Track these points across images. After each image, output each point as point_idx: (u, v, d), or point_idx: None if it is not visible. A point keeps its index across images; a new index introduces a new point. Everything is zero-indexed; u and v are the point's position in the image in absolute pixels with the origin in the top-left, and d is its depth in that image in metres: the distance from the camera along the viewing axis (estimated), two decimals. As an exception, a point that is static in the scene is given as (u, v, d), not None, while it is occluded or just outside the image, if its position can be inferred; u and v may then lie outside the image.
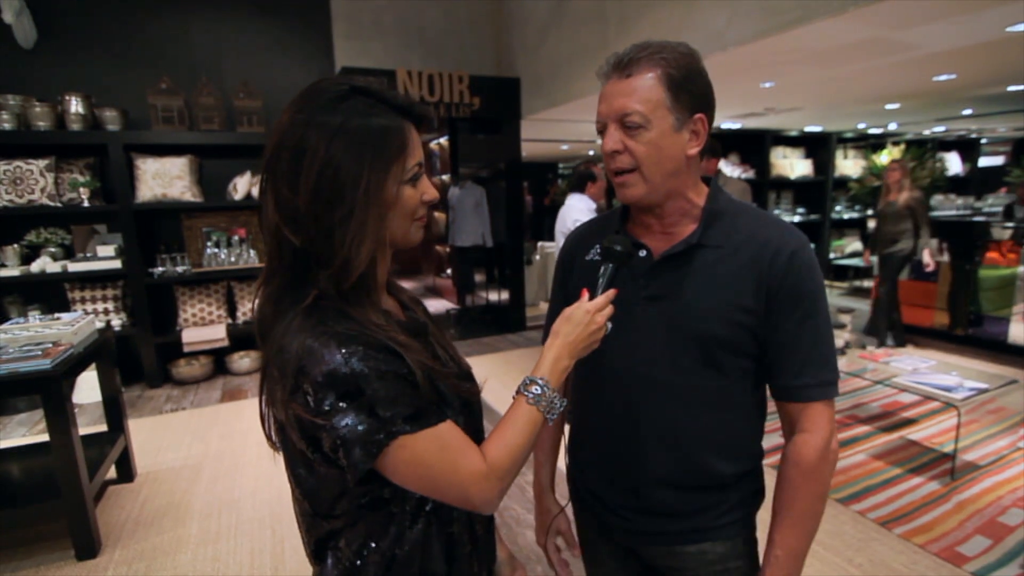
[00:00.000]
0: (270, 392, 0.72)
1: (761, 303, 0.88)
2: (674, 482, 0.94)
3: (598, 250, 1.01)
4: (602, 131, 0.89)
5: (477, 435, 0.81)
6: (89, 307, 4.12)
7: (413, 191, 0.75)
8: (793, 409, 0.92)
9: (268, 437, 0.78)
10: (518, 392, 0.77)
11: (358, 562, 0.75)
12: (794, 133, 7.20)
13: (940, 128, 7.75)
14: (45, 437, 2.29)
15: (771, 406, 0.99)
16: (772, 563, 0.89)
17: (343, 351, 0.66)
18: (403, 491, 0.73)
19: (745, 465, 0.97)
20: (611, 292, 0.86)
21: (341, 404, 0.65)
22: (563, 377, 0.80)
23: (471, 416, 0.81)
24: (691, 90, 0.86)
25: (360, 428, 0.65)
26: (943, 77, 4.18)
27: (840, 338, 3.53)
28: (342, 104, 0.70)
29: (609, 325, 0.85)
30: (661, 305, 0.92)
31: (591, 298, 0.85)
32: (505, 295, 6.16)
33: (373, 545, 0.75)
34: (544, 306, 6.91)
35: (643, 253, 0.94)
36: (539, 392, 0.76)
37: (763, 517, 0.97)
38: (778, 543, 0.89)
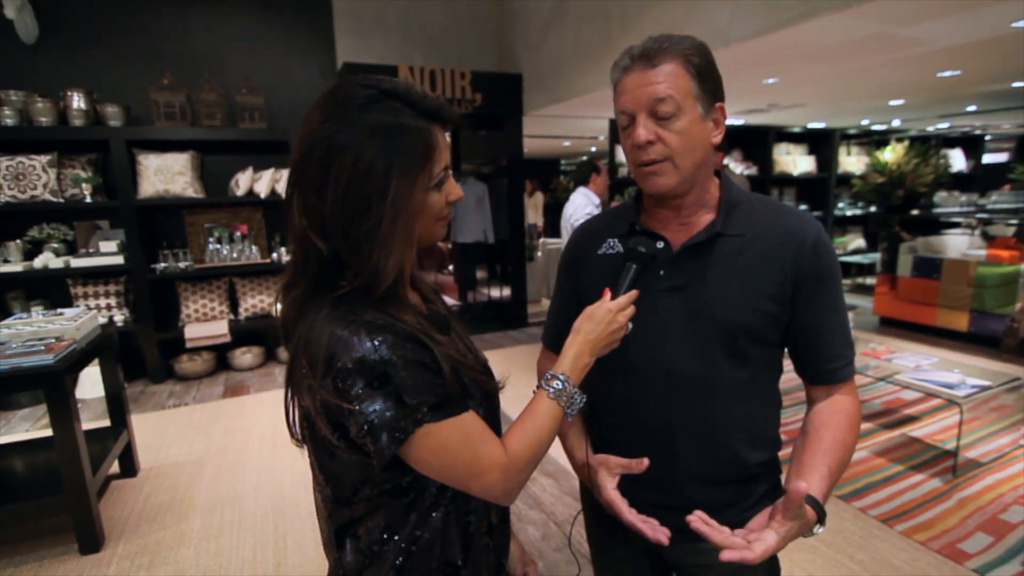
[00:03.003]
0: (296, 382, 0.73)
1: (787, 291, 0.89)
2: (705, 476, 0.94)
3: (612, 244, 1.00)
4: (628, 125, 0.88)
5: (496, 428, 0.82)
6: (92, 303, 4.13)
7: (439, 195, 0.75)
8: (827, 388, 0.95)
9: (292, 433, 0.79)
10: (539, 387, 0.79)
11: (377, 548, 0.76)
12: (797, 129, 7.18)
13: (944, 124, 7.73)
14: (48, 432, 2.30)
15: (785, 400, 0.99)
16: (818, 478, 0.84)
17: (372, 339, 0.67)
18: (423, 480, 0.74)
19: (770, 453, 0.98)
20: (633, 292, 0.87)
21: (369, 390, 0.66)
22: (583, 374, 0.81)
23: (491, 409, 0.82)
24: (712, 78, 0.87)
25: (388, 414, 0.67)
26: (948, 73, 4.17)
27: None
28: (369, 111, 0.69)
29: (630, 325, 0.86)
30: (684, 295, 0.91)
31: (613, 297, 0.86)
32: (507, 291, 6.16)
33: (393, 532, 0.76)
34: (546, 303, 6.91)
35: (660, 244, 0.94)
36: (560, 387, 0.78)
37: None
38: (821, 463, 0.85)
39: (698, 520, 0.80)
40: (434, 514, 0.77)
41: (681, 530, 0.94)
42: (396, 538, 0.76)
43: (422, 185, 0.72)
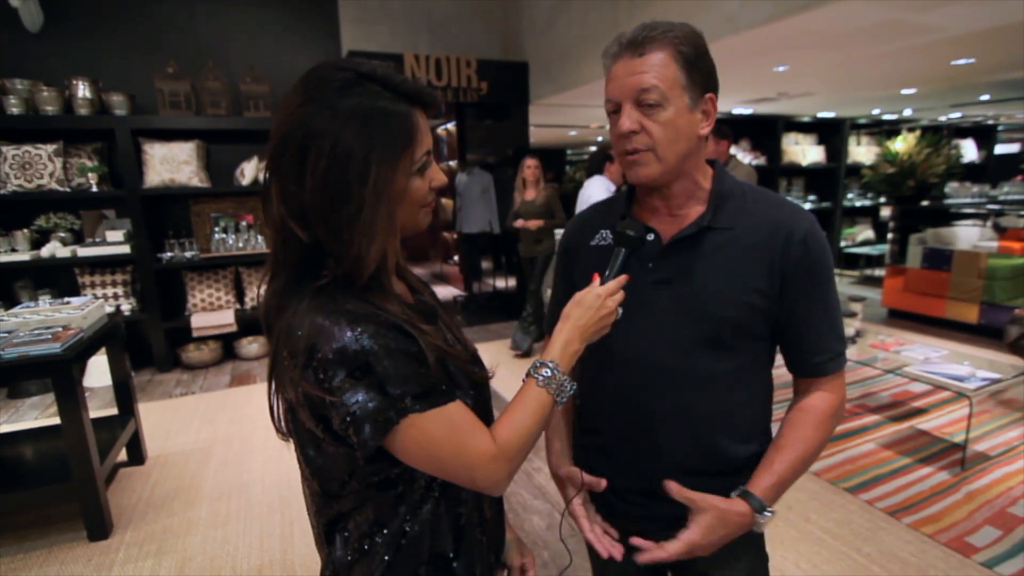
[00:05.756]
0: (279, 375, 0.71)
1: (775, 285, 0.89)
2: (689, 468, 0.93)
3: (604, 235, 1.00)
4: (614, 112, 0.88)
5: (486, 418, 0.80)
6: (99, 292, 4.15)
7: (421, 181, 0.73)
8: (811, 381, 0.95)
9: (277, 427, 0.78)
10: (528, 375, 0.77)
11: (367, 543, 0.75)
12: (806, 119, 7.10)
13: (956, 114, 7.63)
14: (57, 420, 2.31)
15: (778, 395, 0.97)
16: (764, 473, 0.90)
17: (353, 328, 0.65)
18: (412, 471, 0.73)
19: (758, 447, 0.97)
20: (623, 277, 0.86)
21: (351, 381, 0.65)
22: (573, 361, 0.80)
23: (480, 399, 0.81)
24: (702, 69, 0.86)
25: (370, 405, 0.65)
26: (961, 61, 4.10)
27: (851, 327, 3.49)
28: (347, 94, 0.67)
29: (620, 310, 0.85)
30: (672, 289, 0.91)
31: (602, 282, 0.85)
32: (512, 282, 6.15)
33: (382, 526, 0.75)
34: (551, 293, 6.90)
35: (651, 237, 0.93)
36: (549, 375, 0.76)
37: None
38: (777, 461, 0.90)
39: (675, 488, 0.89)
40: (424, 506, 0.76)
41: (667, 520, 0.95)
42: (386, 531, 0.74)
43: (403, 170, 0.70)
